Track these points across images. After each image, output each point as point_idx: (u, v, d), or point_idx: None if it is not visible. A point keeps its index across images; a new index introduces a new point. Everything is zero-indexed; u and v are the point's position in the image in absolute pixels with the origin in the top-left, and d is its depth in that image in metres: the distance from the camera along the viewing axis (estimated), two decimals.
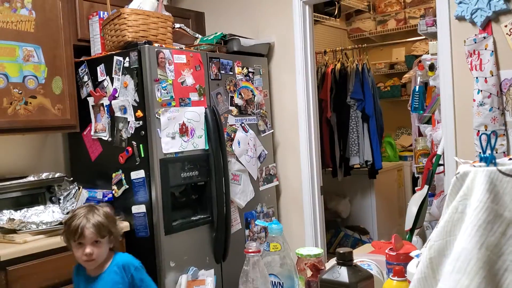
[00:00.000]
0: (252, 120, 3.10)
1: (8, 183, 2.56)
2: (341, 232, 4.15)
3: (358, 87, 3.99)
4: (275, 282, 1.17)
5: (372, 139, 3.97)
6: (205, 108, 2.76)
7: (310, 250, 1.35)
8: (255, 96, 3.11)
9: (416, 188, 2.95)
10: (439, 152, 2.72)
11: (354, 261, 1.31)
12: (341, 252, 0.99)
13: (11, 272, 2.14)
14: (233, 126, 2.96)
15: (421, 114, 3.05)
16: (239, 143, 2.97)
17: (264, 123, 3.18)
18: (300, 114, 3.17)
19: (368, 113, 3.97)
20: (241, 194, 2.97)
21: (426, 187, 2.77)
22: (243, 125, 3.01)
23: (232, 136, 2.94)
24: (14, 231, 2.31)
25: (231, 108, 2.95)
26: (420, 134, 3.23)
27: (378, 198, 4.24)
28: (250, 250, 1.09)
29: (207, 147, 2.75)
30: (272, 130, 3.25)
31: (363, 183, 4.21)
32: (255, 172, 3.08)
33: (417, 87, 2.94)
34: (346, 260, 0.99)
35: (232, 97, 2.96)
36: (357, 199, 4.30)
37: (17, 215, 2.39)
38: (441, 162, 2.73)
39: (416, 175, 3.17)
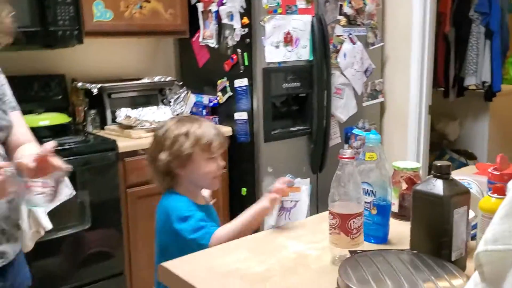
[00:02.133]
0: (361, 31, 2.95)
1: (125, 83, 2.76)
2: (446, 154, 3.97)
3: None
4: (367, 190, 1.17)
5: (494, 58, 3.60)
6: (312, 16, 2.67)
7: (407, 164, 1.32)
8: (366, 5, 2.93)
9: None
10: None
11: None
12: (438, 164, 0.95)
13: (128, 163, 2.38)
14: (340, 37, 2.86)
15: None
16: (345, 55, 2.87)
17: (374, 35, 3.03)
18: (415, 27, 2.96)
19: (492, 28, 3.58)
20: (342, 108, 2.93)
21: None
22: (351, 36, 2.89)
23: (338, 48, 2.85)
24: (130, 127, 2.53)
25: (339, 17, 2.83)
26: None
27: (493, 122, 3.94)
28: (344, 156, 1.09)
29: (311, 58, 2.71)
30: (382, 44, 3.09)
31: (477, 106, 3.92)
32: (360, 86, 3.00)
33: None
34: (442, 173, 0.95)
35: (341, 6, 2.82)
36: (468, 122, 4.04)
37: (134, 113, 2.59)
38: None
39: None
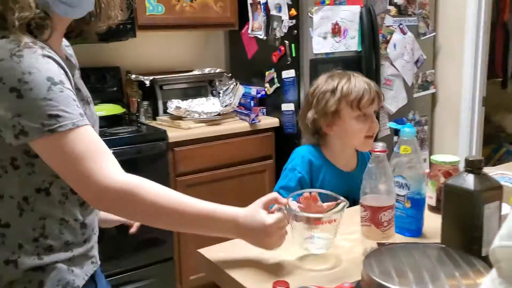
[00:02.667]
0: (412, 21, 2.89)
1: (176, 75, 2.86)
2: (503, 148, 3.81)
3: None
4: (401, 183, 1.17)
5: None
6: (361, 7, 2.64)
7: (446, 157, 1.30)
8: None
9: None
10: None
11: (494, 173, 1.24)
12: (470, 159, 0.94)
13: (177, 153, 2.48)
14: (390, 27, 2.81)
15: None
16: (395, 46, 2.82)
17: (426, 25, 2.95)
18: (469, 16, 2.85)
19: None
20: (392, 99, 2.88)
21: None
22: (401, 26, 2.83)
23: (388, 38, 2.80)
24: (180, 118, 2.62)
25: (389, 7, 2.78)
26: None
27: None
28: (376, 149, 1.10)
29: (360, 49, 2.68)
30: (434, 34, 3.00)
31: None
32: (410, 77, 2.94)
33: None
34: (474, 168, 0.94)
35: None
36: None
37: (183, 104, 2.68)
38: None
39: None
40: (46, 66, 0.86)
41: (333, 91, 1.43)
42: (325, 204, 1.18)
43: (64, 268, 0.95)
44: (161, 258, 2.48)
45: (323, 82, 1.47)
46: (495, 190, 0.93)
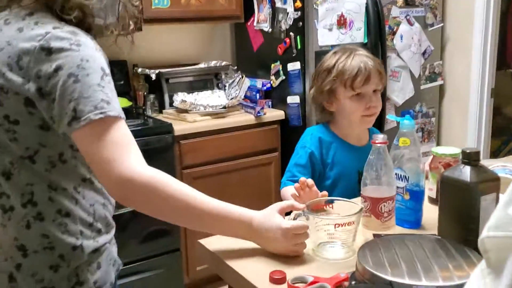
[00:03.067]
0: (420, 12, 2.86)
1: (183, 68, 2.86)
2: None
3: None
4: (400, 175, 1.17)
5: None
6: None
7: (446, 150, 1.30)
8: None
9: None
10: None
11: (495, 165, 1.23)
12: (467, 151, 0.94)
13: (183, 146, 2.49)
14: (397, 18, 2.78)
15: None
16: (401, 37, 2.80)
17: (433, 16, 2.91)
18: (478, 5, 2.81)
19: None
20: (399, 91, 2.86)
21: None
22: (408, 17, 2.81)
23: (394, 30, 2.78)
24: (186, 111, 2.63)
25: None
26: None
27: None
28: (376, 141, 1.10)
29: (366, 41, 2.66)
30: (442, 24, 2.97)
31: None
32: (417, 69, 2.91)
33: None
34: (471, 160, 0.94)
35: None
36: None
37: (189, 97, 2.69)
38: None
39: None
40: (99, 57, 0.92)
41: (330, 70, 1.43)
42: (321, 194, 1.19)
43: (110, 247, 1.04)
44: (168, 249, 2.51)
45: (327, 58, 1.49)
46: (492, 182, 0.93)
